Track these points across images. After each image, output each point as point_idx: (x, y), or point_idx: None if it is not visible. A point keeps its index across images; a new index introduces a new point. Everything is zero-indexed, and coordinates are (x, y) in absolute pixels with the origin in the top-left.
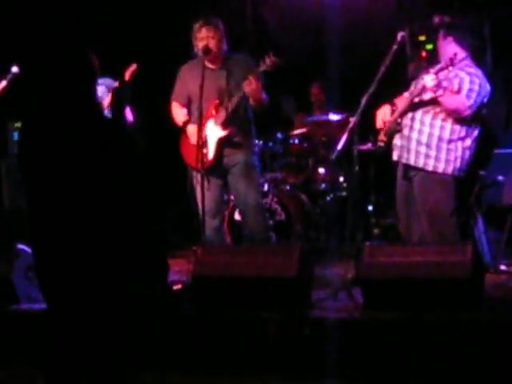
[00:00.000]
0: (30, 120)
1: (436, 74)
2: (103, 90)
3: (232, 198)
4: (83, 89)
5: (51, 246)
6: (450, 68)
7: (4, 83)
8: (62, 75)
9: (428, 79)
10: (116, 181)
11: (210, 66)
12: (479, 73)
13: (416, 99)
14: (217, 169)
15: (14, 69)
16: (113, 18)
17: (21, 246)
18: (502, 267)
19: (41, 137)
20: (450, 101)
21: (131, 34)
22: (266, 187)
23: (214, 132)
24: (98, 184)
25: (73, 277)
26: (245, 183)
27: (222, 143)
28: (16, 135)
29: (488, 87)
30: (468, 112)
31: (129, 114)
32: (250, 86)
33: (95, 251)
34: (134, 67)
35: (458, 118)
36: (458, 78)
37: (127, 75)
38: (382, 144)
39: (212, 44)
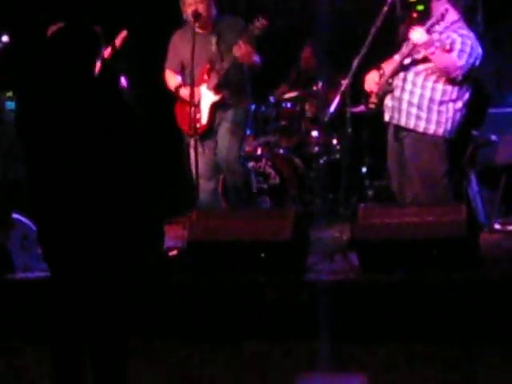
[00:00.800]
0: (27, 89)
1: (428, 30)
2: None
3: None
4: (85, 55)
5: (52, 215)
6: (441, 23)
7: None
8: (63, 40)
9: (415, 34)
10: (117, 149)
11: (200, 31)
12: (471, 35)
13: (408, 59)
14: (210, 132)
15: (4, 38)
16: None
17: (16, 216)
18: (497, 226)
19: (40, 105)
20: (440, 59)
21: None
22: (259, 151)
23: (206, 97)
24: (99, 152)
25: (75, 246)
26: (227, 139)
27: (215, 108)
28: (8, 104)
29: (480, 50)
30: (458, 72)
31: (123, 82)
32: (240, 50)
33: (97, 221)
34: (124, 34)
35: (448, 77)
36: (450, 38)
37: (118, 42)
38: (373, 106)
39: (201, 8)
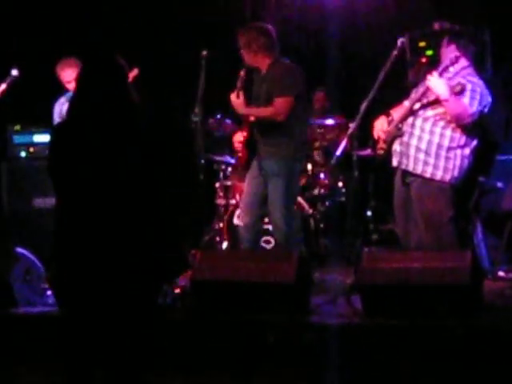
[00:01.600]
0: (62, 125)
1: (440, 74)
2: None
3: (233, 202)
4: (118, 89)
5: (78, 256)
6: (454, 67)
7: (4, 86)
8: (96, 77)
9: (433, 79)
10: (154, 189)
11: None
12: (481, 82)
13: (417, 104)
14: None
15: (14, 72)
16: (116, 21)
17: (20, 250)
18: (501, 273)
19: (75, 142)
20: (453, 106)
21: (131, 38)
22: None
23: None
24: (135, 195)
25: (97, 281)
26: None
27: (244, 144)
28: (15, 138)
29: (489, 97)
30: (469, 119)
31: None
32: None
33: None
34: (135, 72)
35: (458, 124)
36: (460, 85)
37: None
38: (381, 151)
39: (244, 56)
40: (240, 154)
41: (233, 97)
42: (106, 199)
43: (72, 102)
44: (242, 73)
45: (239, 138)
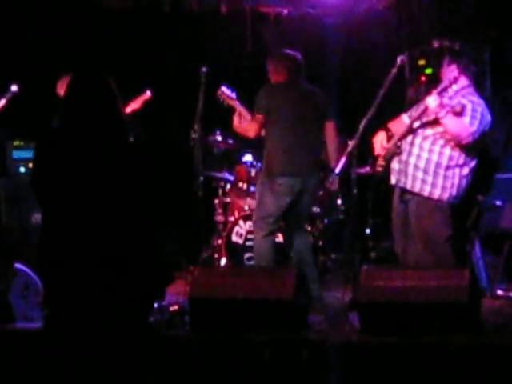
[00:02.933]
0: (47, 138)
1: (439, 93)
2: None
3: (231, 219)
4: (106, 110)
5: (64, 270)
6: (454, 87)
7: (3, 102)
8: (84, 98)
9: (431, 100)
10: (135, 207)
11: None
12: (481, 102)
13: (417, 122)
14: None
15: (14, 88)
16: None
17: (18, 265)
18: (499, 292)
19: (59, 158)
20: (452, 124)
21: (131, 55)
22: None
23: None
24: (119, 210)
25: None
26: None
27: None
28: (14, 153)
29: (489, 117)
30: (470, 139)
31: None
32: None
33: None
34: (148, 95)
35: (458, 143)
36: (460, 104)
37: (139, 103)
38: (380, 169)
39: None
40: None
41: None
42: (90, 216)
43: (58, 116)
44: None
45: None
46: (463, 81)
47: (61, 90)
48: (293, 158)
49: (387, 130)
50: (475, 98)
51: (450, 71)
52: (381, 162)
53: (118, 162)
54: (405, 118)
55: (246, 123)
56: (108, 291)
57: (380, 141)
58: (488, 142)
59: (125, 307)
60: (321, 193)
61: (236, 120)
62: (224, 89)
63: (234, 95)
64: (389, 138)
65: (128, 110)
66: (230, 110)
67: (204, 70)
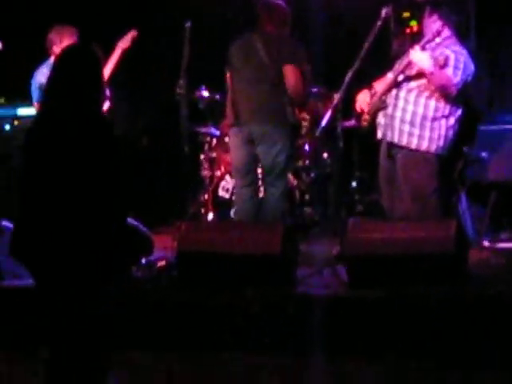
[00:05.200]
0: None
1: (422, 47)
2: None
3: (218, 173)
4: (84, 92)
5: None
6: (437, 39)
7: None
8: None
9: (414, 54)
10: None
11: None
12: (464, 51)
13: (401, 76)
14: None
15: None
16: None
17: (5, 223)
18: (486, 243)
19: (44, 128)
20: (437, 77)
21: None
22: None
23: None
24: (88, 179)
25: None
26: None
27: None
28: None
29: (472, 66)
30: (453, 89)
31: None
32: None
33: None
34: (134, 33)
35: (443, 94)
36: (444, 55)
37: (127, 43)
38: (365, 123)
39: None
40: None
41: None
42: (63, 185)
43: (42, 101)
44: None
45: None
46: (445, 32)
47: (56, 36)
48: (237, 108)
49: (371, 88)
50: (457, 48)
51: (432, 22)
52: (366, 116)
53: (89, 139)
54: (389, 76)
55: None
56: (77, 253)
57: (363, 97)
58: (472, 94)
59: (95, 271)
60: (307, 147)
61: None
62: None
63: None
64: (372, 96)
65: (108, 69)
66: (217, 65)
67: (188, 24)
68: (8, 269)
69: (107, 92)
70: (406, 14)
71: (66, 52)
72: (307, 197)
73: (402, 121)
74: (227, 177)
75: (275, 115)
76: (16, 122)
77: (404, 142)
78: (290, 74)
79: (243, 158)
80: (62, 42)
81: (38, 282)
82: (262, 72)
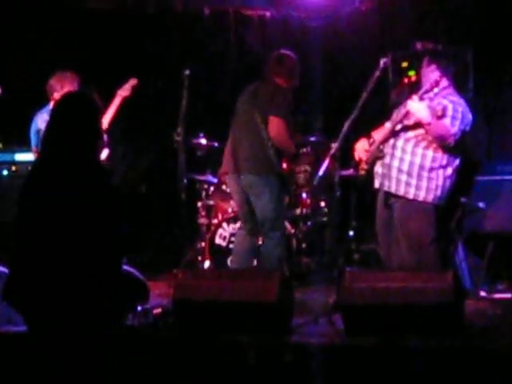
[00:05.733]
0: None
1: (420, 97)
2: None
3: (215, 221)
4: (85, 145)
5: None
6: (436, 89)
7: None
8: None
9: (412, 104)
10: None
11: None
12: (462, 101)
13: (398, 126)
14: None
15: None
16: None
17: (0, 268)
18: (482, 294)
19: (42, 174)
20: (435, 128)
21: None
22: None
23: None
24: (88, 234)
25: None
26: None
27: None
28: None
29: (470, 116)
30: (451, 139)
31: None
32: None
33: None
34: (134, 82)
35: (441, 144)
36: (441, 105)
37: (128, 90)
38: (363, 172)
39: None
40: None
41: None
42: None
43: (42, 142)
44: None
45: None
46: (443, 82)
47: (57, 83)
48: (228, 157)
49: (369, 138)
50: (455, 98)
51: (430, 72)
52: (363, 165)
53: (90, 195)
54: (387, 125)
55: None
56: (71, 300)
57: (362, 146)
58: (470, 143)
59: (92, 318)
60: (304, 195)
61: None
62: None
63: None
64: (371, 145)
65: (108, 117)
66: (214, 113)
67: (187, 72)
68: (3, 314)
69: (106, 139)
70: (405, 64)
71: (65, 99)
72: (304, 245)
73: (400, 170)
74: (224, 224)
75: (259, 165)
76: (14, 168)
77: (401, 191)
78: (273, 124)
79: (240, 204)
80: (62, 88)
81: (31, 328)
82: (251, 122)
